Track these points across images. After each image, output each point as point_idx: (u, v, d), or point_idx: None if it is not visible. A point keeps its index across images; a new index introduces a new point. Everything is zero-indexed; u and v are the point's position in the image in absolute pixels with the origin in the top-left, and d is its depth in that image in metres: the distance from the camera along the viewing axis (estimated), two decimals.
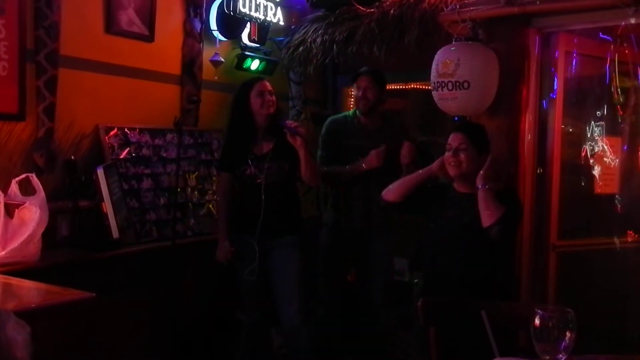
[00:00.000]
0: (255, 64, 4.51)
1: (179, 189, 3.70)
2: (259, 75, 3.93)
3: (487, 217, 2.66)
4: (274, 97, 3.43)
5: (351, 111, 3.92)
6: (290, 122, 3.40)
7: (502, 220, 2.64)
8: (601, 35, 3.53)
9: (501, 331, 1.88)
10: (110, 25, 3.68)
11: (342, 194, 3.76)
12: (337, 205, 3.80)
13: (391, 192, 2.97)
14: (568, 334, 1.49)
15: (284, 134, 3.31)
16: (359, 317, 4.00)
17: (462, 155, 2.75)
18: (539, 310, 1.51)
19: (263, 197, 3.33)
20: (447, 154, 2.81)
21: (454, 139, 2.79)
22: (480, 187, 2.70)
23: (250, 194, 3.39)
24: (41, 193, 3.01)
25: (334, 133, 3.78)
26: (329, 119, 3.95)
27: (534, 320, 1.50)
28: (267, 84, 3.45)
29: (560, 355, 1.50)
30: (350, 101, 4.83)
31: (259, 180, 3.35)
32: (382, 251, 3.79)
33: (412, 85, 4.79)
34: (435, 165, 2.91)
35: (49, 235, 3.12)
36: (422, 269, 2.95)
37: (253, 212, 3.34)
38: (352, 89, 3.89)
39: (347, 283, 3.94)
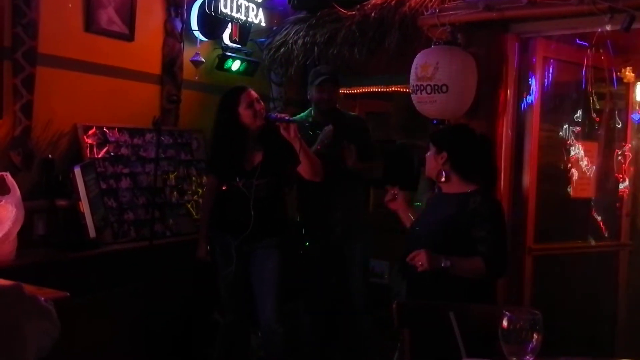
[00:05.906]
0: (236, 65, 4.49)
1: (157, 189, 3.68)
2: (241, 84, 3.54)
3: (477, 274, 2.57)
4: (262, 104, 3.34)
5: (304, 113, 3.88)
6: (277, 115, 3.27)
7: (491, 263, 2.55)
8: (578, 41, 3.57)
9: (483, 335, 1.88)
10: (90, 24, 3.67)
11: (307, 196, 3.79)
12: (304, 207, 3.85)
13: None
14: (535, 335, 1.51)
15: (273, 139, 3.24)
16: (338, 320, 4.01)
17: (427, 160, 2.76)
18: (506, 312, 1.53)
19: (252, 212, 3.25)
20: None
21: None
22: (444, 266, 2.51)
23: (237, 203, 3.31)
24: (17, 192, 2.99)
25: None
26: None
27: (502, 322, 1.52)
28: (252, 92, 3.32)
29: (528, 357, 1.52)
30: None
31: (247, 196, 3.28)
32: (358, 254, 3.79)
33: (393, 88, 4.81)
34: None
35: (25, 234, 3.10)
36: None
37: (239, 221, 3.28)
38: (312, 89, 3.75)
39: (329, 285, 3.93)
